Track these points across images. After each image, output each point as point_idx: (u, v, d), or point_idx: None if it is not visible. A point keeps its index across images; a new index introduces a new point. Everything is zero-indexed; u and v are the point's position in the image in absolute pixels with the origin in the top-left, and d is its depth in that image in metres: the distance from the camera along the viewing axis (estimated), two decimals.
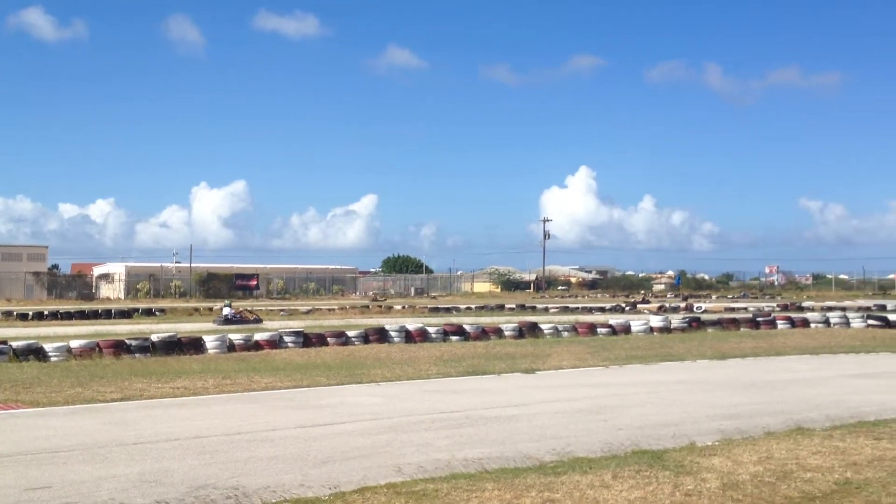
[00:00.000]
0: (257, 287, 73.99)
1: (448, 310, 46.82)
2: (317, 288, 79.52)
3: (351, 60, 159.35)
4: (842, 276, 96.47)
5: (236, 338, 22.91)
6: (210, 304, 51.66)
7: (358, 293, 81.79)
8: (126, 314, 43.84)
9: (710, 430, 10.61)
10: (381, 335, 24.74)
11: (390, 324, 27.37)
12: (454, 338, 25.26)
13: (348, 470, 8.54)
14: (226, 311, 37.05)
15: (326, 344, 23.50)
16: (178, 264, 76.41)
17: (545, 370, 17.88)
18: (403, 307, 50.37)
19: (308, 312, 43.56)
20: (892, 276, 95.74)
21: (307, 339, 23.57)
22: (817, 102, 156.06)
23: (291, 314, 41.96)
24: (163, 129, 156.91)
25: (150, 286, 72.24)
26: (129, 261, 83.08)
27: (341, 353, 21.76)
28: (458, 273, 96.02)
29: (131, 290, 71.91)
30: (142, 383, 15.49)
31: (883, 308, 43.91)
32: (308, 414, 12.32)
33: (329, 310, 46.03)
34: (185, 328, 28.88)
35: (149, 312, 45.58)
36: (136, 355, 20.86)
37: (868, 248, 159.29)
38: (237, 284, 73.58)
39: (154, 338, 22.02)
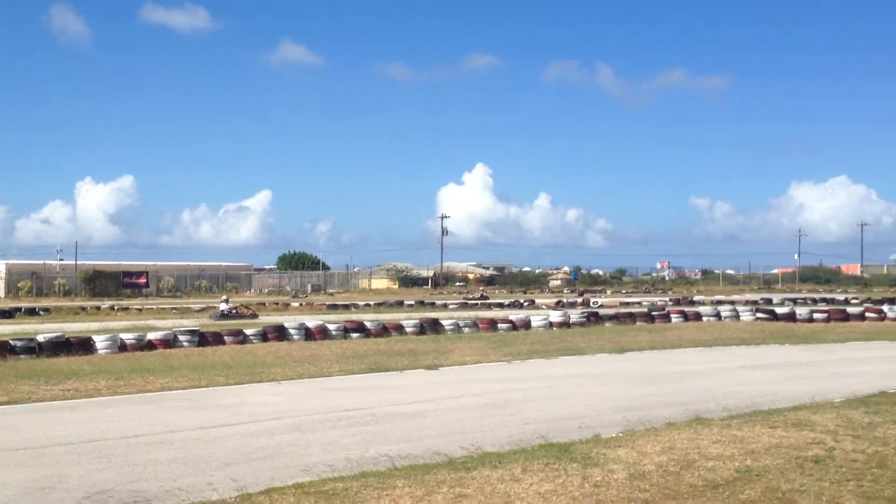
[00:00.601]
0: (147, 285, 71.71)
1: (346, 306, 46.46)
2: (209, 286, 77.56)
3: (243, 55, 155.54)
4: (729, 271, 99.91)
5: (128, 337, 22.16)
6: (97, 303, 49.89)
7: (253, 290, 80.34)
8: (7, 314, 41.77)
9: (614, 421, 10.77)
10: (280, 333, 24.32)
11: (289, 321, 26.92)
12: (355, 335, 25.03)
13: (254, 471, 8.32)
14: (223, 306, 37.31)
15: (223, 342, 22.95)
16: (62, 262, 73.30)
17: (448, 366, 17.87)
18: (301, 304, 49.75)
19: (202, 311, 42.51)
20: (776, 271, 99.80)
21: (203, 338, 22.96)
22: (704, 104, 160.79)
23: (184, 313, 40.88)
24: (45, 123, 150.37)
25: (33, 284, 69.31)
26: (10, 258, 79.25)
27: (239, 351, 21.30)
28: (356, 269, 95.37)
29: (12, 289, 68.84)
30: (29, 385, 14.83)
31: (769, 302, 45.68)
32: (208, 414, 11.99)
33: None
34: (73, 328, 27.80)
35: (32, 312, 43.62)
36: (22, 356, 19.93)
37: (753, 244, 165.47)
38: (125, 282, 71.13)
39: (40, 338, 21.09)
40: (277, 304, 49.77)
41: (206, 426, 10.98)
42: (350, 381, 15.67)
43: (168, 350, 21.60)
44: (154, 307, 45.49)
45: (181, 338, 22.67)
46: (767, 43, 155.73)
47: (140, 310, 43.05)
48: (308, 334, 24.58)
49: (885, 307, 33.15)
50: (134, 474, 8.29)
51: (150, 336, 22.55)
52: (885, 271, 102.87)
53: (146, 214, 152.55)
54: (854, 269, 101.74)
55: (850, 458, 8.04)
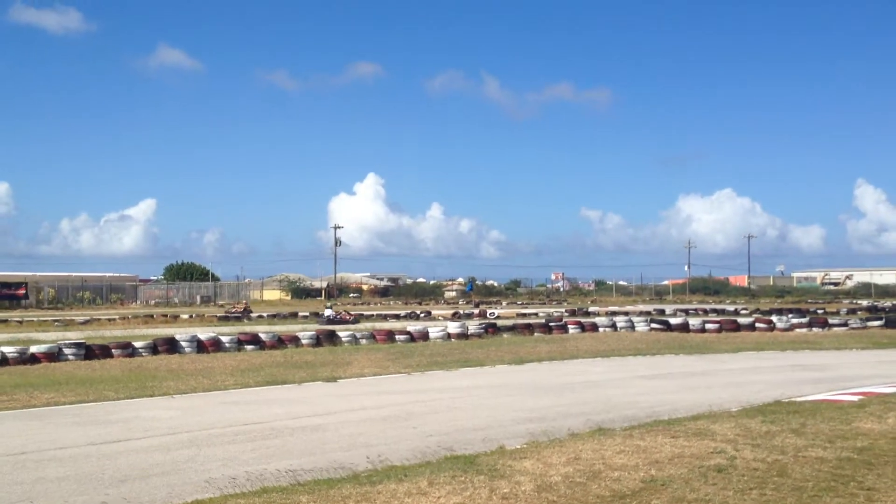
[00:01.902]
0: (26, 296, 68.70)
1: (238, 318, 45.53)
2: (93, 297, 74.81)
3: (118, 59, 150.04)
4: (621, 283, 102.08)
5: (9, 350, 21.14)
6: None
7: (139, 302, 77.94)
8: None
9: (518, 432, 10.74)
10: (171, 345, 23.63)
11: (180, 333, 26.16)
12: (249, 347, 24.49)
13: (150, 488, 7.97)
14: (328, 312, 41.72)
15: (111, 356, 22.15)
16: None
17: (347, 378, 17.61)
18: (191, 316, 48.46)
19: (86, 323, 40.98)
20: (667, 283, 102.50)
21: (90, 351, 22.11)
22: (591, 116, 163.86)
23: (67, 325, 39.27)
24: None
25: None
26: None
27: (129, 364, 20.53)
28: (247, 280, 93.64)
29: None
30: None
31: (662, 312, 46.86)
32: (98, 430, 11.45)
33: (109, 320, 43.57)
34: None
35: None
36: None
37: (644, 255, 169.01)
38: (2, 294, 67.97)
39: None
40: (166, 315, 48.33)
41: (96, 442, 10.49)
42: (247, 395, 15.25)
43: (53, 364, 20.73)
44: (35, 319, 43.60)
45: (66, 351, 21.76)
46: (650, 56, 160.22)
47: (20, 322, 41.26)
48: (200, 347, 23.94)
49: (773, 318, 34.38)
50: (22, 493, 7.85)
51: (34, 349, 21.57)
52: (771, 282, 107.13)
53: (22, 223, 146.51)
54: (742, 280, 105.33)
55: (751, 467, 8.15)
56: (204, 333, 25.80)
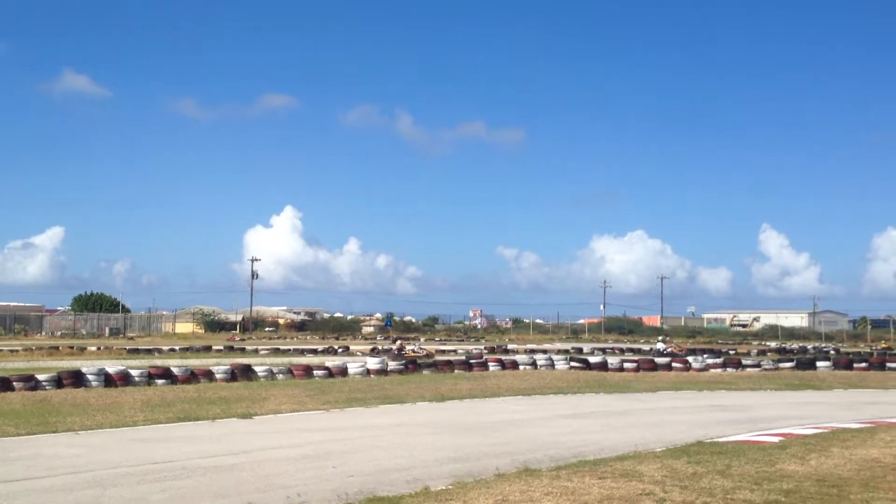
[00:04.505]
0: None
1: (150, 351, 44.12)
2: None
3: (22, 83, 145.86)
4: (538, 321, 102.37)
5: None
6: None
7: (44, 333, 75.17)
8: None
9: (442, 473, 10.43)
10: (77, 379, 22.55)
11: (86, 366, 25.08)
12: (160, 381, 23.55)
13: None
14: (660, 345, 42.43)
15: (12, 388, 21.00)
16: None
17: (263, 415, 17.02)
18: (99, 348, 46.74)
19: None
20: (582, 321, 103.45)
21: None
22: (504, 156, 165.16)
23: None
24: None
25: None
26: None
27: (31, 398, 19.50)
28: (159, 313, 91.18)
29: None
30: None
31: (580, 351, 47.13)
32: None
33: (11, 351, 41.76)
34: None
35: None
36: None
37: (559, 294, 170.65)
38: None
39: None
40: (72, 347, 46.57)
41: None
42: (157, 432, 14.58)
43: None
44: None
45: None
46: (560, 99, 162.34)
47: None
48: (108, 380, 22.91)
49: (689, 358, 34.66)
50: None
51: None
52: (683, 323, 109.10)
53: None
54: (655, 320, 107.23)
55: None
56: (112, 366, 24.74)
